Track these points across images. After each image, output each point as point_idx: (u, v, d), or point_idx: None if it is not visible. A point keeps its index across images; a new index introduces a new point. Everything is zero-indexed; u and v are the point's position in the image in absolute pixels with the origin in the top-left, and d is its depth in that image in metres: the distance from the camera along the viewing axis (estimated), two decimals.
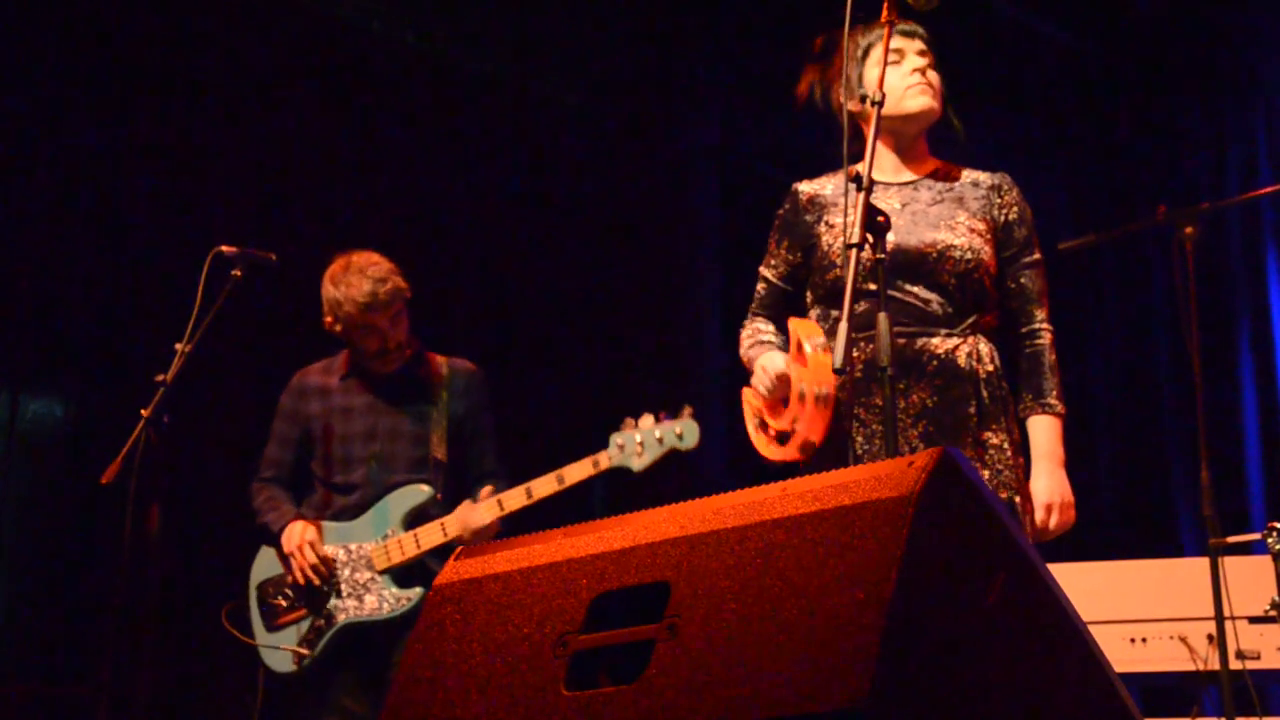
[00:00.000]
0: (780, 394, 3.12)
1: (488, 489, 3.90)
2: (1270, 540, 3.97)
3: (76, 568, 5.08)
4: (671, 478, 5.70)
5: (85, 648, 5.02)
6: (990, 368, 3.15)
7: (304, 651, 3.96)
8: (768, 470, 3.11)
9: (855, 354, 3.03)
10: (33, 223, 5.25)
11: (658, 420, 3.81)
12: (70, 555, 5.13)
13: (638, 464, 3.81)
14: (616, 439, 3.83)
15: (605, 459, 3.84)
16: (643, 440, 3.80)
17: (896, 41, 3.16)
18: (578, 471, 3.85)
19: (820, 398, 2.99)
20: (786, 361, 3.12)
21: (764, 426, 3.19)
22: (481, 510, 3.86)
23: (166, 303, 3.98)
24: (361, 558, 3.96)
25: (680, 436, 3.80)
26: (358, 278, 4.01)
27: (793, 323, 3.17)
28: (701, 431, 3.85)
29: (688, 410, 3.82)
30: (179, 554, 4.44)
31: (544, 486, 3.86)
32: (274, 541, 4.06)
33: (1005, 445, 3.13)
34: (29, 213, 5.24)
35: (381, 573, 3.94)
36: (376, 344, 4.06)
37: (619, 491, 6.05)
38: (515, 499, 3.86)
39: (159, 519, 3.57)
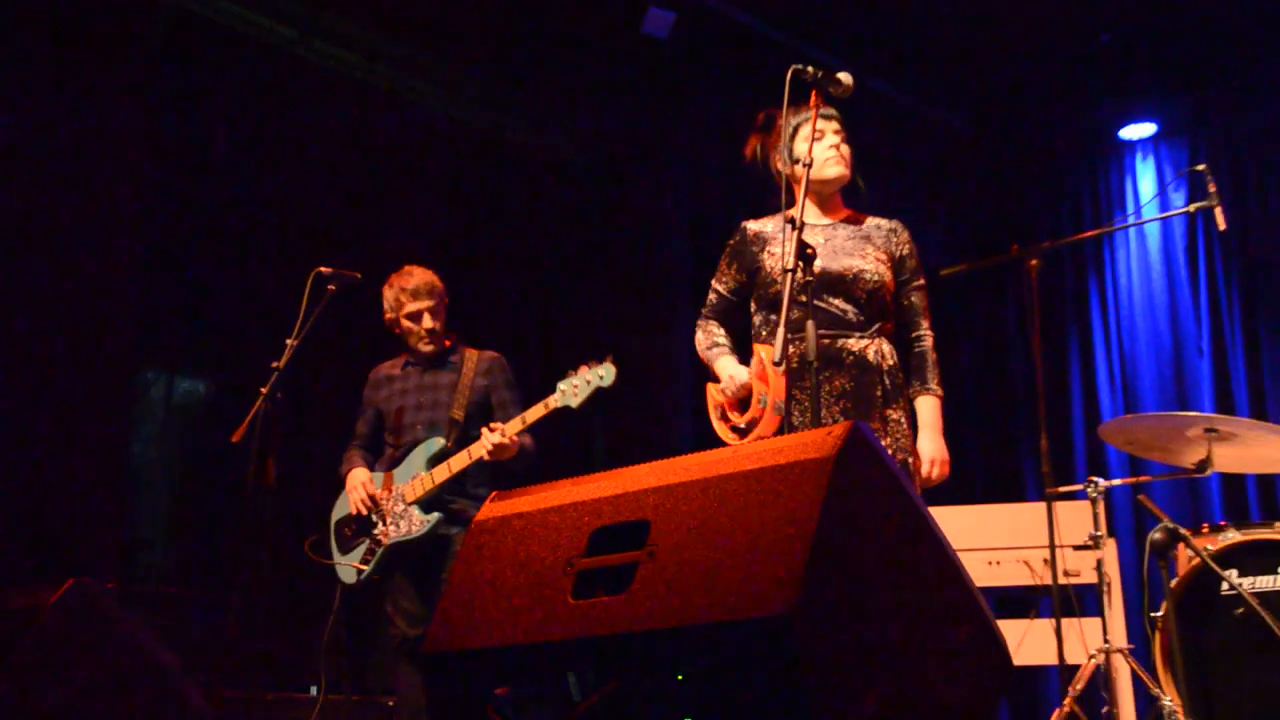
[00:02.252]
0: (742, 397, 3.13)
1: (496, 424, 3.85)
2: (1089, 490, 3.99)
3: (214, 503, 5.10)
4: (652, 445, 5.72)
5: (220, 561, 5.06)
6: (891, 362, 3.15)
7: (363, 567, 3.97)
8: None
9: (791, 350, 3.02)
10: (189, 252, 5.29)
11: (589, 367, 3.73)
12: (210, 494, 5.15)
13: (575, 401, 3.70)
14: (560, 385, 3.74)
15: (554, 400, 3.75)
16: (577, 384, 3.70)
17: (820, 123, 3.15)
18: (535, 412, 3.79)
19: (778, 408, 3.00)
20: (750, 375, 3.12)
21: (724, 418, 3.18)
22: (491, 437, 3.82)
23: (281, 308, 3.97)
24: (399, 494, 3.97)
25: (602, 377, 3.68)
26: (408, 275, 4.05)
27: (758, 348, 3.17)
28: (676, 410, 3.82)
29: (609, 357, 3.71)
30: (287, 494, 4.45)
31: (513, 426, 3.80)
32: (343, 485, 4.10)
33: (903, 420, 3.14)
34: (189, 244, 5.29)
35: (411, 504, 3.94)
36: (417, 333, 4.04)
37: (615, 450, 6.06)
38: (511, 428, 3.82)
39: (273, 469, 3.57)
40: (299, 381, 3.97)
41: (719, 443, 3.10)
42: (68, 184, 4.63)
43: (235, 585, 4.01)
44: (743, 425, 3.10)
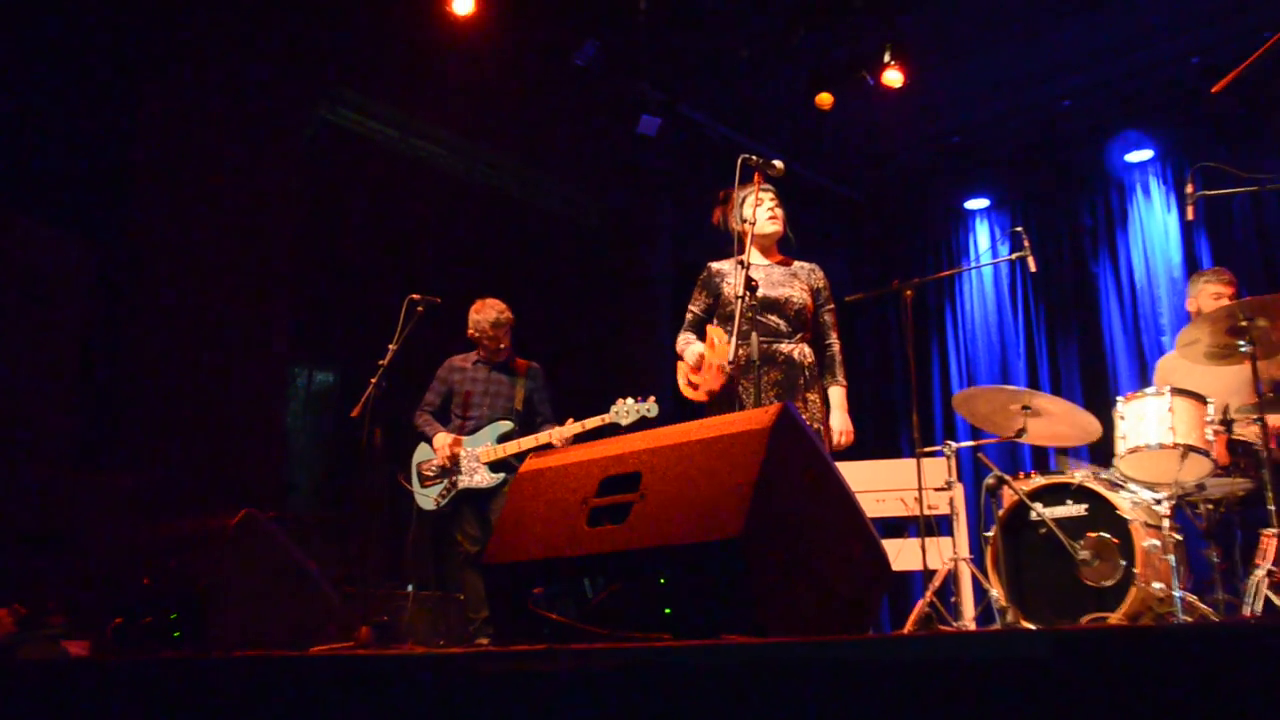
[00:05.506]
0: (699, 363, 3.11)
1: (570, 421, 3.79)
2: (945, 450, 3.97)
3: (341, 462, 5.08)
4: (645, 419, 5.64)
5: (344, 499, 5.03)
6: (810, 361, 3.12)
7: (440, 500, 3.93)
8: (695, 414, 3.09)
9: (740, 353, 2.99)
10: (323, 286, 5.27)
11: (637, 400, 3.73)
12: (338, 456, 5.12)
13: (624, 422, 3.69)
14: (614, 407, 3.73)
15: (609, 417, 3.74)
16: (628, 410, 3.70)
17: (761, 194, 3.14)
18: (594, 421, 3.76)
19: (720, 368, 2.98)
20: (705, 347, 3.12)
21: (690, 384, 3.17)
22: (565, 430, 3.78)
23: (385, 323, 3.93)
24: (474, 455, 3.92)
25: (649, 410, 3.70)
26: (490, 310, 4.00)
27: (708, 328, 3.16)
28: (658, 398, 3.77)
29: (652, 398, 3.73)
30: (390, 454, 4.42)
31: (569, 429, 3.76)
32: (429, 441, 4.01)
33: (817, 401, 3.11)
34: (324, 282, 5.27)
35: (483, 464, 3.90)
36: (493, 346, 4.02)
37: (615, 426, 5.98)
38: (571, 430, 3.78)
39: (381, 436, 3.54)
40: (397, 373, 3.92)
41: (690, 418, 3.07)
42: (247, 243, 4.65)
43: (355, 515, 3.99)
44: (699, 383, 3.08)
